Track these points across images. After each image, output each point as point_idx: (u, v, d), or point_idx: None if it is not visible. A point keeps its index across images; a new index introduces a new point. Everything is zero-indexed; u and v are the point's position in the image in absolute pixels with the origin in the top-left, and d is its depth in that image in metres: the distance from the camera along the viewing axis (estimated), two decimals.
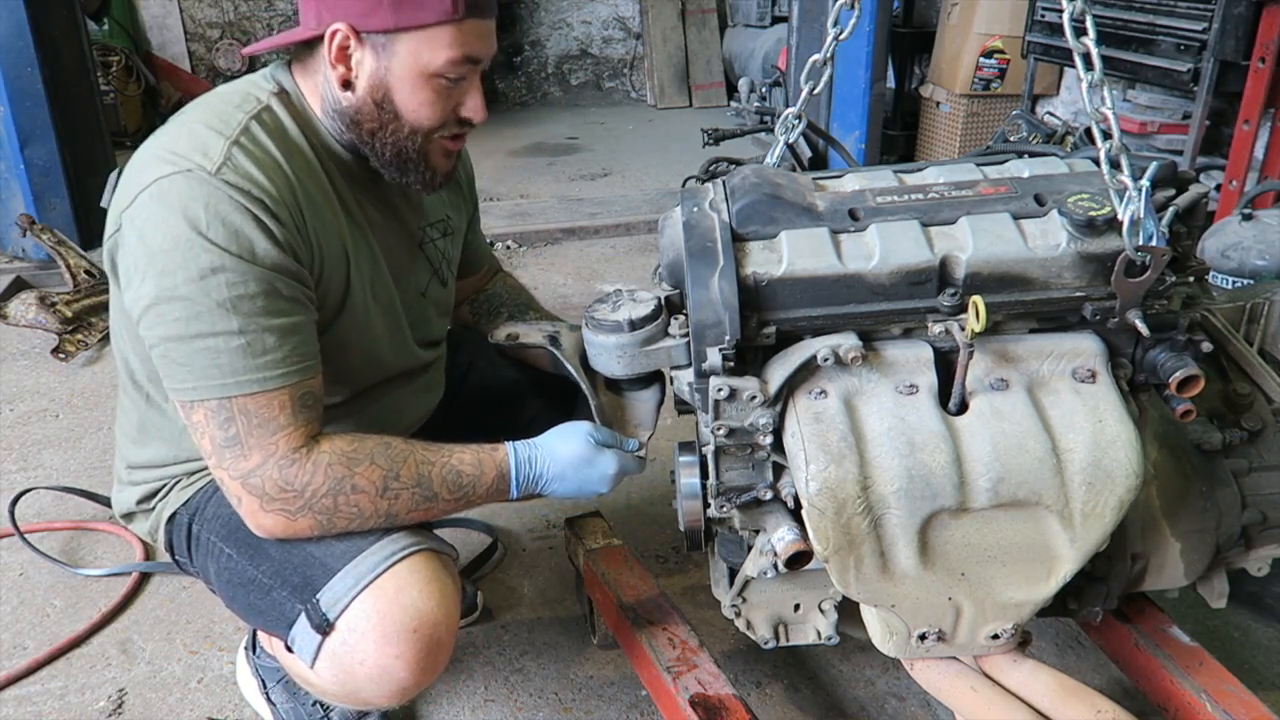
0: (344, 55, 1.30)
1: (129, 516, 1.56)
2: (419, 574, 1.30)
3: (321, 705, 1.63)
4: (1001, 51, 4.69)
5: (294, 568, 1.33)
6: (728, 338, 1.20)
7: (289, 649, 1.35)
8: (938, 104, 5.02)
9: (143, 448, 1.49)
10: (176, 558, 1.52)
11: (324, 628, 1.29)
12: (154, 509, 1.51)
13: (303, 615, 1.31)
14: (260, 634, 1.67)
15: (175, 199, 1.20)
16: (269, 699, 1.66)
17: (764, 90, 6.44)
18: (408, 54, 1.28)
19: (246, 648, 1.73)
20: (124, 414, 1.53)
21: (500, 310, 1.79)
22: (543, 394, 1.72)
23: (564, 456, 1.37)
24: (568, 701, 1.78)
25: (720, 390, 1.20)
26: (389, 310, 1.48)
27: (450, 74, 1.30)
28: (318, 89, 1.36)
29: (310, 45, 1.35)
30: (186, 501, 1.47)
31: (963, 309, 1.18)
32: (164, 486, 1.49)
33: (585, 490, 1.38)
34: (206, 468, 1.47)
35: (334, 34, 1.28)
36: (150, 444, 1.48)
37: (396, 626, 1.27)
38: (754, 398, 1.20)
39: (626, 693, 1.79)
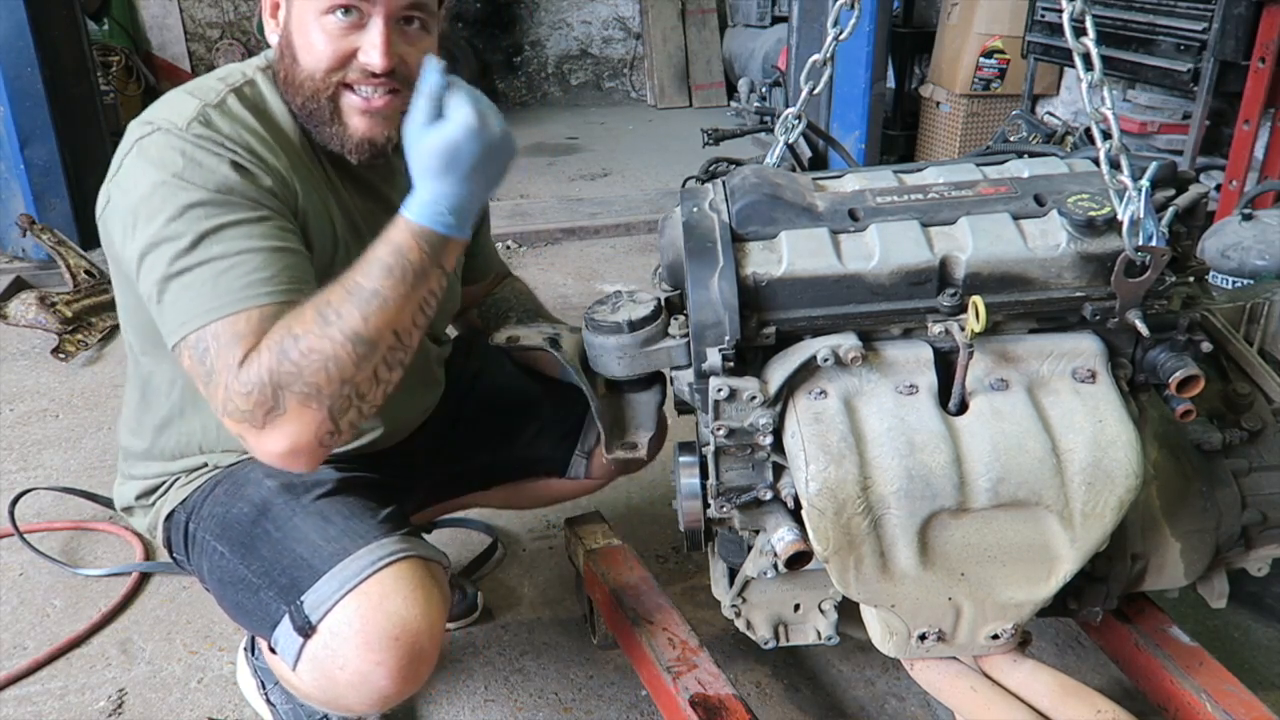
0: (274, 9, 1.34)
1: (129, 511, 1.56)
2: (404, 581, 1.28)
3: None
4: (1001, 51, 4.69)
5: (282, 569, 1.32)
6: (727, 338, 1.20)
7: (273, 650, 1.34)
8: (938, 104, 5.02)
9: (139, 438, 1.49)
10: (174, 555, 1.52)
11: (306, 630, 1.27)
12: (153, 505, 1.51)
13: (286, 617, 1.29)
14: (260, 643, 1.67)
15: (153, 153, 1.23)
16: (268, 700, 1.66)
17: (764, 90, 6.44)
18: None
19: (246, 649, 1.72)
20: (127, 405, 1.52)
21: (508, 314, 1.77)
22: (552, 401, 1.72)
23: (444, 161, 1.19)
24: (568, 701, 1.78)
25: (720, 390, 1.20)
26: None
27: (337, 8, 1.27)
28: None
29: None
30: (184, 500, 1.46)
31: (963, 309, 1.18)
32: (163, 484, 1.50)
33: (504, 169, 1.25)
34: (204, 466, 1.47)
35: None
36: (148, 434, 1.48)
37: (378, 633, 1.24)
38: (754, 398, 1.20)
39: (626, 693, 1.79)
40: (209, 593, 1.49)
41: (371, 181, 1.46)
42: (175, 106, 1.28)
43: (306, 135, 1.37)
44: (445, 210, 1.20)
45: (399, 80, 1.31)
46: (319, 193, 1.35)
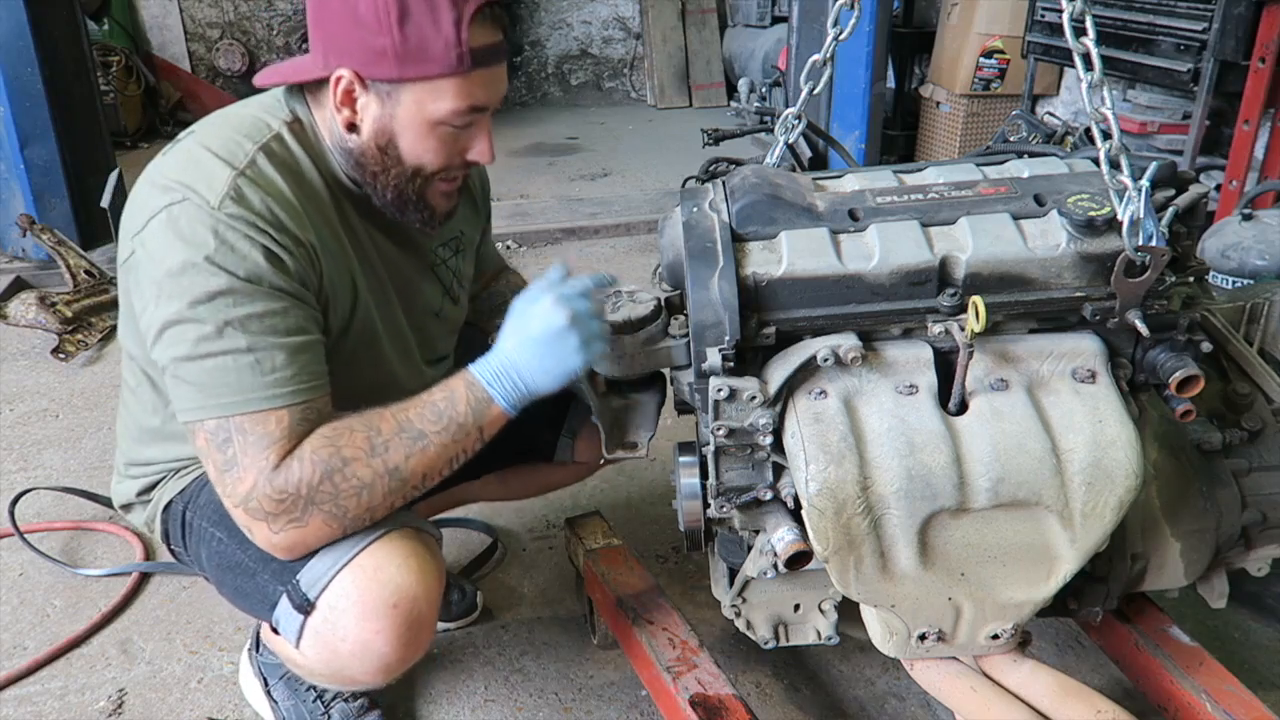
0: (349, 99, 1.29)
1: (127, 508, 1.57)
2: (397, 550, 1.30)
3: (322, 701, 1.63)
4: (1001, 51, 4.69)
5: None
6: (727, 338, 1.20)
7: (275, 631, 1.36)
8: (938, 104, 5.02)
9: (147, 447, 1.50)
10: (172, 546, 1.53)
11: (305, 607, 1.30)
12: (152, 499, 1.52)
13: (284, 596, 1.32)
14: (264, 632, 1.67)
15: (185, 225, 1.21)
16: (271, 696, 1.67)
17: (764, 90, 6.45)
18: (413, 103, 1.27)
19: (251, 648, 1.73)
20: (129, 415, 1.53)
21: (503, 308, 1.78)
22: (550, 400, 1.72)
23: (526, 340, 1.29)
24: (568, 701, 1.78)
25: (720, 390, 1.20)
26: (398, 337, 1.48)
27: (456, 123, 1.30)
28: (328, 123, 1.35)
29: (320, 80, 1.33)
30: (182, 490, 1.47)
31: (962, 309, 1.18)
32: (162, 478, 1.51)
33: (565, 367, 1.28)
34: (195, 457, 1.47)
35: (339, 79, 1.27)
36: (157, 444, 1.49)
37: (376, 602, 1.27)
38: (754, 398, 1.20)
39: (626, 693, 1.79)
40: (209, 582, 1.51)
41: (392, 222, 1.46)
42: (207, 172, 1.25)
43: (330, 188, 1.36)
44: (517, 380, 1.28)
45: None
46: (344, 253, 1.36)
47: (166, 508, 1.49)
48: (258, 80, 1.39)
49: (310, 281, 1.28)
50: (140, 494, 1.53)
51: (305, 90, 1.37)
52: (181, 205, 1.22)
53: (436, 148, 1.32)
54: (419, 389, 1.38)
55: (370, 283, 1.41)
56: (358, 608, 1.27)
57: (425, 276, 1.55)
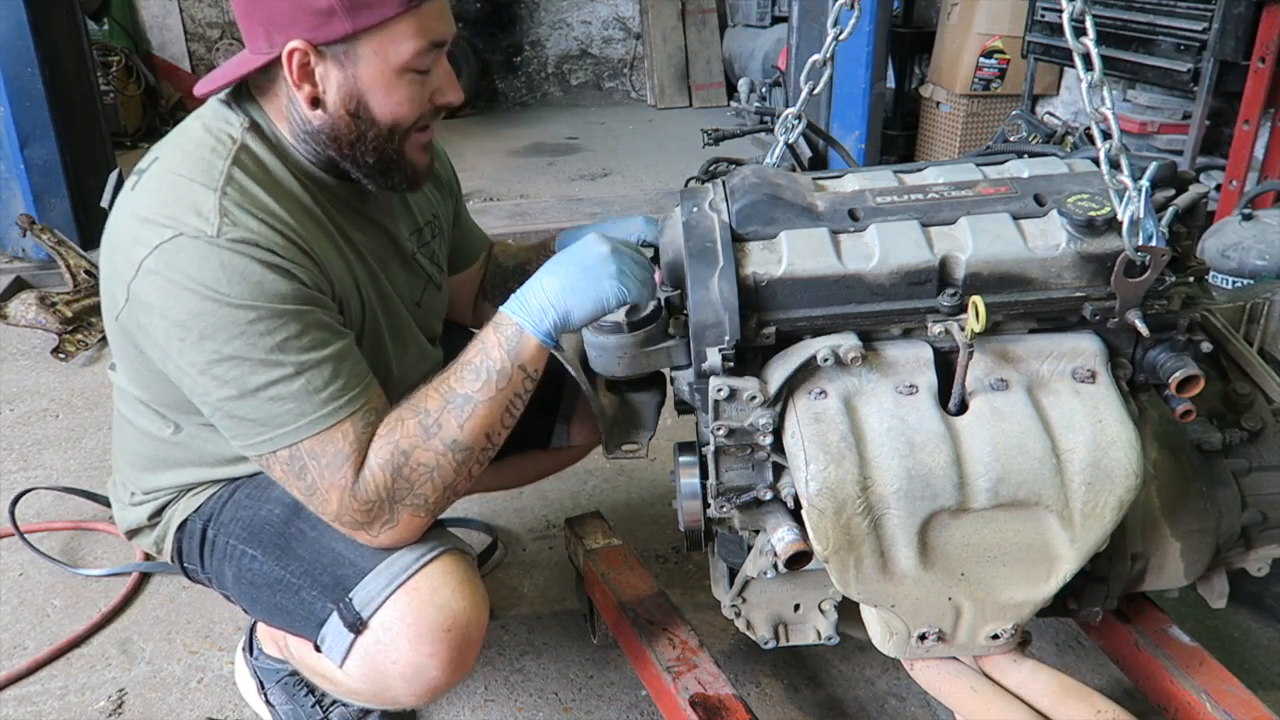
0: (306, 73, 1.24)
1: (134, 533, 1.55)
2: (451, 574, 1.31)
3: (321, 707, 1.63)
4: (1001, 51, 4.69)
5: (324, 568, 1.33)
6: (727, 338, 1.19)
7: (317, 648, 1.35)
8: (938, 104, 5.02)
9: (156, 475, 1.48)
10: (186, 566, 1.51)
11: (357, 626, 1.29)
12: (162, 519, 1.50)
13: (335, 614, 1.31)
14: (261, 634, 1.67)
15: (186, 266, 1.17)
16: (267, 700, 1.66)
17: (764, 90, 6.44)
18: (373, 55, 1.24)
19: (244, 649, 1.72)
20: (129, 446, 1.49)
21: (508, 283, 1.74)
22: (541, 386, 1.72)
23: (559, 266, 1.27)
24: (568, 701, 1.78)
25: (720, 390, 1.20)
26: (397, 326, 1.47)
27: (419, 65, 1.27)
28: (284, 113, 1.31)
29: (266, 70, 1.27)
30: (199, 508, 1.46)
31: (962, 309, 1.18)
32: (172, 499, 1.49)
33: (600, 292, 1.24)
34: (218, 479, 1.46)
35: (291, 54, 1.22)
36: (167, 471, 1.47)
37: (431, 626, 1.27)
38: (754, 398, 1.20)
39: (626, 693, 1.79)
40: (229, 600, 1.49)
41: (372, 214, 1.45)
42: (189, 202, 1.20)
43: (306, 187, 1.33)
44: (555, 313, 1.26)
45: None
46: (335, 249, 1.34)
47: (181, 527, 1.48)
48: (199, 90, 1.33)
49: (324, 287, 1.27)
50: (151, 518, 1.51)
51: (250, 89, 1.32)
52: (174, 242, 1.18)
53: (407, 97, 1.28)
54: (431, 370, 1.38)
55: (363, 276, 1.40)
56: (413, 630, 1.27)
57: (407, 266, 1.52)
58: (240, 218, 1.21)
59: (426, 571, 1.30)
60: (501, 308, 1.29)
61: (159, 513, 1.50)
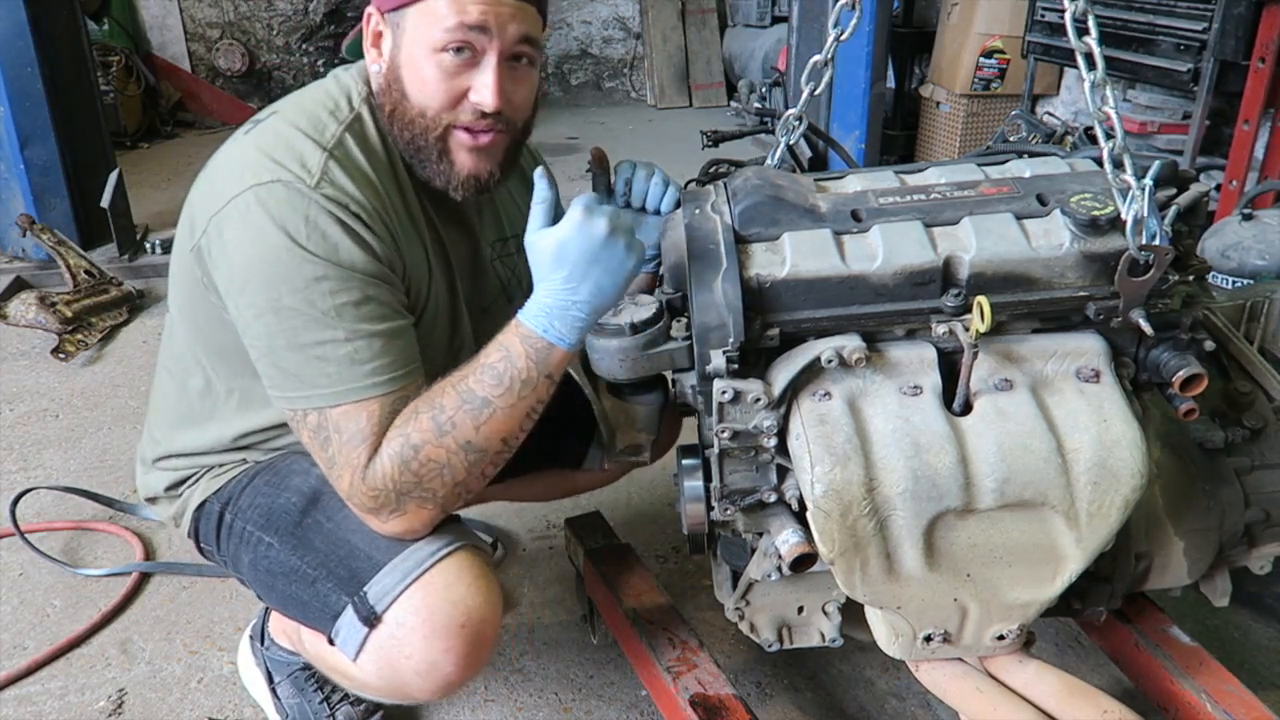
0: (377, 40, 1.31)
1: (153, 500, 1.57)
2: (466, 570, 1.31)
3: (329, 704, 1.62)
4: (1001, 51, 4.69)
5: (339, 560, 1.33)
6: (732, 340, 1.19)
7: (331, 641, 1.35)
8: (938, 104, 5.02)
9: (182, 432, 1.49)
10: (202, 545, 1.52)
11: (371, 620, 1.29)
12: (181, 495, 1.51)
13: (349, 608, 1.31)
14: (273, 626, 1.66)
15: (275, 210, 1.20)
16: (275, 693, 1.66)
17: (764, 91, 6.44)
18: (412, 28, 1.27)
19: (254, 637, 1.70)
20: (165, 399, 1.52)
21: None
22: (565, 393, 1.71)
23: (568, 267, 1.21)
24: (568, 701, 1.78)
25: (724, 393, 1.20)
26: (453, 324, 1.47)
27: (452, 46, 1.25)
28: (378, 87, 1.35)
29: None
30: (218, 490, 1.46)
31: (967, 309, 1.18)
32: (194, 474, 1.50)
33: (620, 276, 1.22)
34: (241, 459, 1.47)
35: (368, 18, 1.30)
36: (194, 429, 1.47)
37: (445, 621, 1.27)
38: (758, 400, 1.20)
39: (626, 693, 1.79)
40: (243, 584, 1.50)
41: (462, 212, 1.46)
42: (295, 150, 1.24)
43: (407, 168, 1.36)
44: (571, 311, 1.22)
45: (504, 121, 1.32)
46: (419, 237, 1.36)
47: (200, 507, 1.48)
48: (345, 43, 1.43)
49: (396, 266, 1.29)
50: (169, 488, 1.52)
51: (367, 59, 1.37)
52: (270, 187, 1.21)
53: (433, 78, 1.27)
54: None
55: (439, 265, 1.41)
56: (427, 625, 1.27)
57: (482, 270, 1.53)
58: (339, 178, 1.24)
59: (441, 566, 1.29)
60: (527, 320, 1.24)
61: (177, 485, 1.51)
